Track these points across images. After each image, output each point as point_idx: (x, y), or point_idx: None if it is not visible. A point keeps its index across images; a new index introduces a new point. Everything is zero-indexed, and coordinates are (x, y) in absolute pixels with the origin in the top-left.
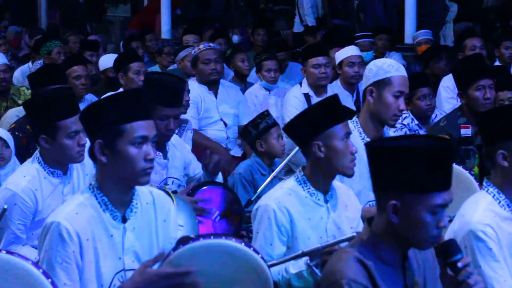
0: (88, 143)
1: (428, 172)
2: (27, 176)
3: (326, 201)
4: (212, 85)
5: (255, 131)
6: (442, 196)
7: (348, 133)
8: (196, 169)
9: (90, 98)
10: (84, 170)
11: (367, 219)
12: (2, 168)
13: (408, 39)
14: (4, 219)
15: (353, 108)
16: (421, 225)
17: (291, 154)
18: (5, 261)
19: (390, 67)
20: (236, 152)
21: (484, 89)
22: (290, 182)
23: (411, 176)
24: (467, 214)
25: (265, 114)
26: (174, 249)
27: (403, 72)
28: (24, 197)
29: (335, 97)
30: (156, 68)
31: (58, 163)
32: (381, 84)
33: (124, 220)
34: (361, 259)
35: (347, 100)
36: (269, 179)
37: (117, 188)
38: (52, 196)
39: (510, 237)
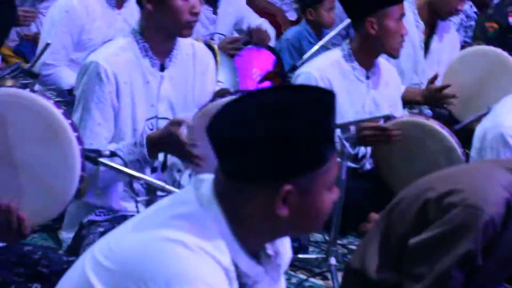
0: None
1: None
2: None
3: (368, 78)
4: None
5: None
6: None
7: (402, 15)
8: (252, 24)
9: None
10: None
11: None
12: None
13: None
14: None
15: None
16: None
17: (341, 26)
18: (28, 98)
19: None
20: (291, 15)
21: None
22: (335, 54)
23: None
24: (501, 115)
25: None
26: (211, 100)
27: None
28: (76, 7)
29: None
30: None
31: None
32: None
33: (162, 68)
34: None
35: None
36: (316, 47)
37: (159, 36)
38: (104, 19)
39: None
